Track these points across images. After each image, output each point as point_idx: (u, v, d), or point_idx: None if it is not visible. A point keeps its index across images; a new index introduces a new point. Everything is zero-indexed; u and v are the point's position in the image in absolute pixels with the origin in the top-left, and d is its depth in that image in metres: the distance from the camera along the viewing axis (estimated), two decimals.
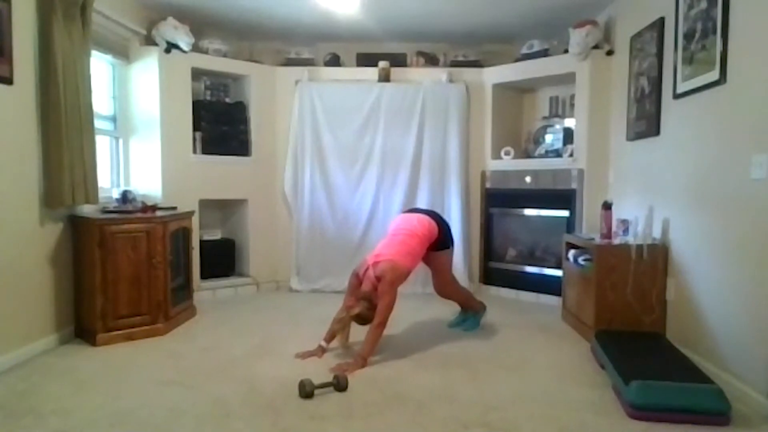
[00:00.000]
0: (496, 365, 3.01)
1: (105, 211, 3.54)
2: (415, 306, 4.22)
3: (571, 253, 3.85)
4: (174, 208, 3.95)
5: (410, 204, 4.68)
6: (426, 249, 3.37)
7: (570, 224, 4.42)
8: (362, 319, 3.06)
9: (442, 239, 3.44)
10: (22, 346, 2.98)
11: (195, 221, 4.35)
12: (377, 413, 2.37)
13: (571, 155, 4.44)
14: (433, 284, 3.65)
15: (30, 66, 3.04)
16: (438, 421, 2.30)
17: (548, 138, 4.77)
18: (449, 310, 3.99)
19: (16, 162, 2.95)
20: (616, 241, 3.49)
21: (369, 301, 3.06)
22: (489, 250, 5.03)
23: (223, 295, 4.72)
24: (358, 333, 3.14)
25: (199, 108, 4.60)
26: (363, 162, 4.90)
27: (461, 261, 4.80)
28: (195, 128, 4.57)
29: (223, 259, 4.89)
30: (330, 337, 3.17)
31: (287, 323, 3.86)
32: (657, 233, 3.42)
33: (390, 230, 3.44)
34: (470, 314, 3.80)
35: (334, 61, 5.03)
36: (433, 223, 3.40)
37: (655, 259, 3.31)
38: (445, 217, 4.01)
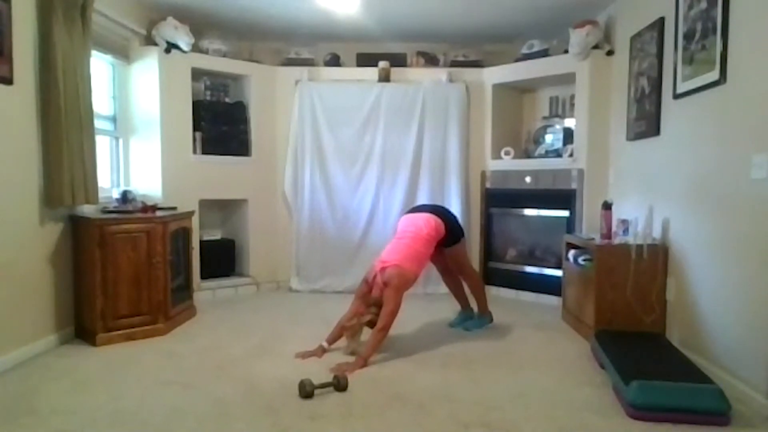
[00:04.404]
0: (497, 365, 3.01)
1: (105, 211, 3.54)
2: (416, 306, 4.21)
3: (571, 253, 3.85)
4: (174, 208, 3.95)
5: (410, 204, 4.65)
6: (434, 248, 3.37)
7: (570, 224, 4.42)
8: (374, 325, 3.08)
9: (450, 235, 3.45)
10: (22, 346, 2.98)
11: (195, 221, 4.35)
12: (377, 413, 2.37)
13: (571, 155, 4.44)
14: (451, 271, 3.73)
15: (30, 66, 3.04)
16: (438, 421, 2.30)
17: (548, 138, 4.77)
18: (450, 310, 4.00)
19: (16, 162, 2.95)
20: (616, 241, 3.49)
21: (379, 308, 3.08)
22: (489, 250, 5.03)
23: (223, 295, 4.72)
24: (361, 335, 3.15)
25: (199, 108, 4.60)
26: (363, 162, 4.90)
27: None
28: (195, 128, 4.57)
29: (223, 259, 4.88)
30: (333, 339, 3.17)
31: (287, 323, 3.86)
32: (657, 233, 3.42)
33: (396, 232, 3.44)
34: (472, 315, 3.81)
35: (334, 61, 5.03)
36: (439, 221, 3.39)
37: (655, 259, 3.31)
38: None
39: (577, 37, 4.19)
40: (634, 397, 2.32)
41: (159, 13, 4.32)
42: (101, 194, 3.53)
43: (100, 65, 4.01)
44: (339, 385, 2.57)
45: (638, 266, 3.31)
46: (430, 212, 3.46)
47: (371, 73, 4.93)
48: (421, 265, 3.28)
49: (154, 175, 4.30)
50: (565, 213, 4.47)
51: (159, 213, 3.65)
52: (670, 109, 3.31)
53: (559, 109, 4.91)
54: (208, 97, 4.75)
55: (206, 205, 4.71)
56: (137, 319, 3.40)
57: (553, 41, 4.65)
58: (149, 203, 3.76)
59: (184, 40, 4.28)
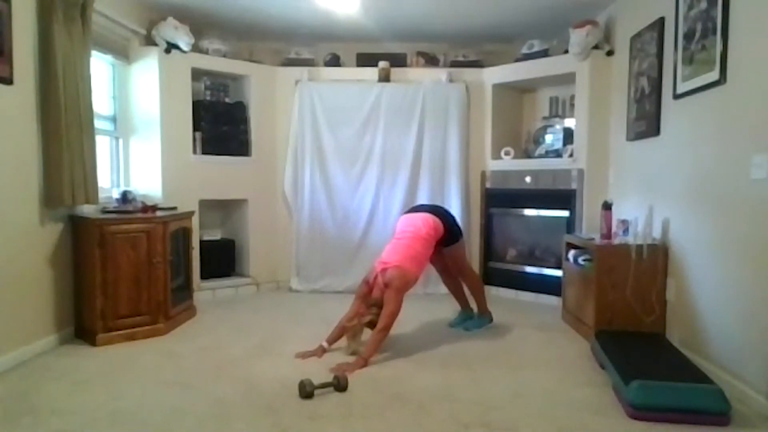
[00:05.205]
0: (496, 365, 3.01)
1: (105, 211, 3.54)
2: (416, 306, 4.20)
3: (571, 253, 3.85)
4: (174, 208, 3.95)
5: (410, 204, 4.64)
6: (433, 248, 3.38)
7: (570, 224, 4.42)
8: (374, 326, 3.08)
9: (449, 235, 3.45)
10: (22, 346, 2.98)
11: (195, 221, 4.35)
12: (377, 413, 2.37)
13: (571, 155, 4.44)
14: (450, 271, 3.72)
15: (30, 66, 3.04)
16: (438, 421, 2.30)
17: (548, 138, 4.77)
18: (450, 310, 4.00)
19: (16, 162, 2.95)
20: (616, 241, 3.49)
21: (380, 308, 3.08)
22: (489, 250, 5.03)
23: (223, 295, 4.72)
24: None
25: (199, 108, 4.60)
26: (363, 162, 4.90)
27: None
28: (195, 128, 4.57)
29: (223, 259, 4.89)
30: (333, 340, 3.17)
31: (287, 323, 3.86)
32: (657, 233, 3.42)
33: (395, 233, 3.44)
34: (472, 315, 3.81)
35: (334, 61, 5.03)
36: (438, 221, 3.40)
37: (655, 259, 3.31)
38: None
39: (577, 37, 4.19)
40: (634, 397, 2.32)
41: (159, 13, 4.32)
42: (101, 194, 3.53)
43: (100, 65, 4.01)
44: (339, 385, 2.57)
45: (638, 266, 3.31)
46: (429, 212, 3.47)
47: (371, 73, 4.93)
48: (422, 266, 3.28)
49: (154, 175, 4.30)
50: (565, 213, 4.47)
51: (159, 213, 3.66)
52: (670, 109, 3.31)
53: (559, 109, 4.91)
54: (208, 97, 4.74)
55: (206, 205, 4.71)
56: (137, 319, 3.40)
57: (553, 41, 4.65)
58: (149, 203, 3.76)
59: (184, 40, 4.28)
